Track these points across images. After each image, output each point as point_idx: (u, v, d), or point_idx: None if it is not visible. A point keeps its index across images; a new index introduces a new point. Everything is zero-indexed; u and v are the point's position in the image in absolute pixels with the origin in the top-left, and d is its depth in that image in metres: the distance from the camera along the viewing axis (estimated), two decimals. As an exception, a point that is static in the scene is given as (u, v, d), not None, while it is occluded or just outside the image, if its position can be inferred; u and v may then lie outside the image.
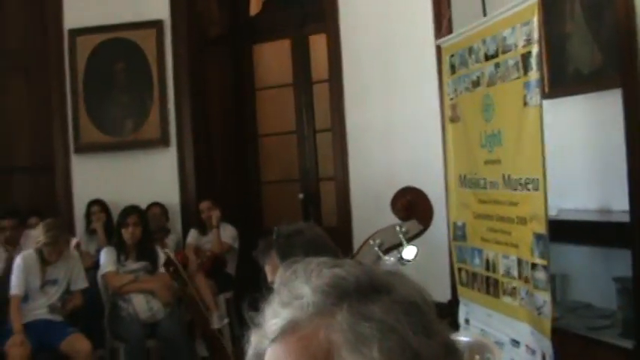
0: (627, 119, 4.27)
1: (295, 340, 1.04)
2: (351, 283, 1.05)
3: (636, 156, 4.20)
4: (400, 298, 1.04)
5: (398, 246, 2.35)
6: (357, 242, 5.53)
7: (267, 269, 2.56)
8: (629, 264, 4.32)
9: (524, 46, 3.89)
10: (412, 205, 2.36)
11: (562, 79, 5.07)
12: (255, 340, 1.12)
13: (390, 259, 2.32)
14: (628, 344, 4.27)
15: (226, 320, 7.08)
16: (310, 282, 1.07)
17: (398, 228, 2.35)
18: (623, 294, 4.61)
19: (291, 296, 1.07)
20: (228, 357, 7.19)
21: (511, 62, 4.02)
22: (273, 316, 1.08)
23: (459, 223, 4.88)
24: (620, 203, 4.76)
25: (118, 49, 7.65)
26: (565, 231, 4.01)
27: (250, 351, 1.13)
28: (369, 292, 1.04)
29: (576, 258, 4.99)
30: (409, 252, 2.28)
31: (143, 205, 6.82)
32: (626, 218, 4.42)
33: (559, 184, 3.82)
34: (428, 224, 2.41)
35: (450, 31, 5.36)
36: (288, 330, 1.05)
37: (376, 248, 2.37)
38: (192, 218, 7.59)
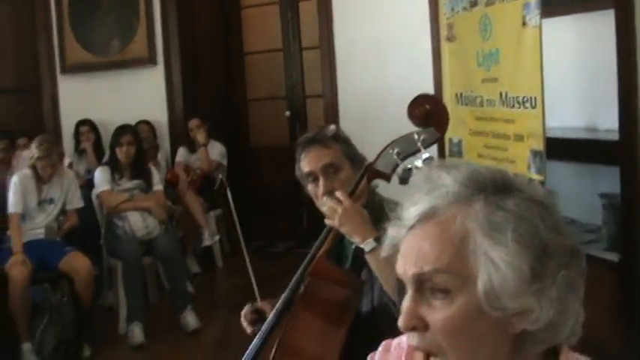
0: (619, 39, 4.31)
1: (433, 224, 1.15)
2: (488, 179, 1.17)
3: (626, 76, 4.26)
4: (530, 197, 1.16)
5: (415, 153, 2.41)
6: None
7: (323, 153, 2.65)
8: (614, 181, 4.43)
9: (524, -33, 3.92)
10: (430, 113, 2.41)
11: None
12: (392, 232, 1.23)
13: (407, 167, 2.39)
14: (613, 257, 4.42)
15: (217, 237, 7.19)
16: (451, 174, 1.18)
17: (416, 136, 2.39)
18: (608, 209, 4.74)
19: (432, 186, 1.18)
20: (219, 273, 7.36)
21: (510, -17, 4.06)
22: (413, 205, 1.19)
23: (455, 140, 4.96)
24: (606, 122, 4.86)
25: (104, -32, 7.55)
26: (552, 148, 4.10)
27: (387, 241, 1.24)
28: (502, 189, 1.16)
29: (563, 175, 5.09)
30: (426, 159, 2.35)
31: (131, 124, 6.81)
32: (612, 136, 4.51)
33: (547, 102, 3.89)
34: (445, 131, 2.46)
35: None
36: (427, 215, 1.16)
37: (394, 156, 2.42)
38: (180, 136, 7.64)
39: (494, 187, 1.16)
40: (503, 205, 1.13)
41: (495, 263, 1.10)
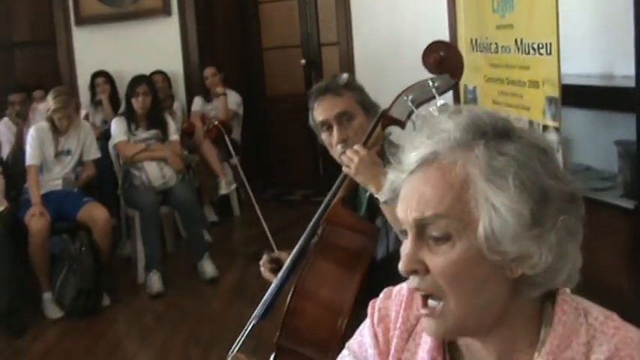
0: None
1: (435, 169, 1.16)
2: (489, 125, 1.17)
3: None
4: (531, 143, 1.17)
5: (430, 100, 2.41)
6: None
7: (337, 102, 2.66)
8: (630, 128, 4.40)
9: None
10: (445, 60, 2.40)
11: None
12: (392, 176, 1.25)
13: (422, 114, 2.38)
14: (629, 204, 4.39)
15: (234, 186, 7.23)
16: (452, 119, 1.19)
17: (430, 83, 2.38)
18: (624, 157, 4.70)
19: (434, 130, 1.19)
20: (236, 222, 7.42)
21: None
22: (414, 149, 1.20)
23: (470, 87, 4.94)
24: (622, 69, 4.81)
25: None
26: (568, 95, 4.07)
27: (386, 185, 1.26)
28: (503, 134, 1.17)
29: (578, 122, 5.06)
30: (441, 106, 2.34)
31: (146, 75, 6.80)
32: (628, 83, 4.47)
33: (562, 49, 3.85)
34: (459, 78, 2.45)
35: None
36: (429, 160, 1.18)
37: (409, 103, 2.42)
38: (195, 86, 7.64)
39: (494, 133, 1.17)
40: (504, 150, 1.14)
41: (496, 208, 1.11)
